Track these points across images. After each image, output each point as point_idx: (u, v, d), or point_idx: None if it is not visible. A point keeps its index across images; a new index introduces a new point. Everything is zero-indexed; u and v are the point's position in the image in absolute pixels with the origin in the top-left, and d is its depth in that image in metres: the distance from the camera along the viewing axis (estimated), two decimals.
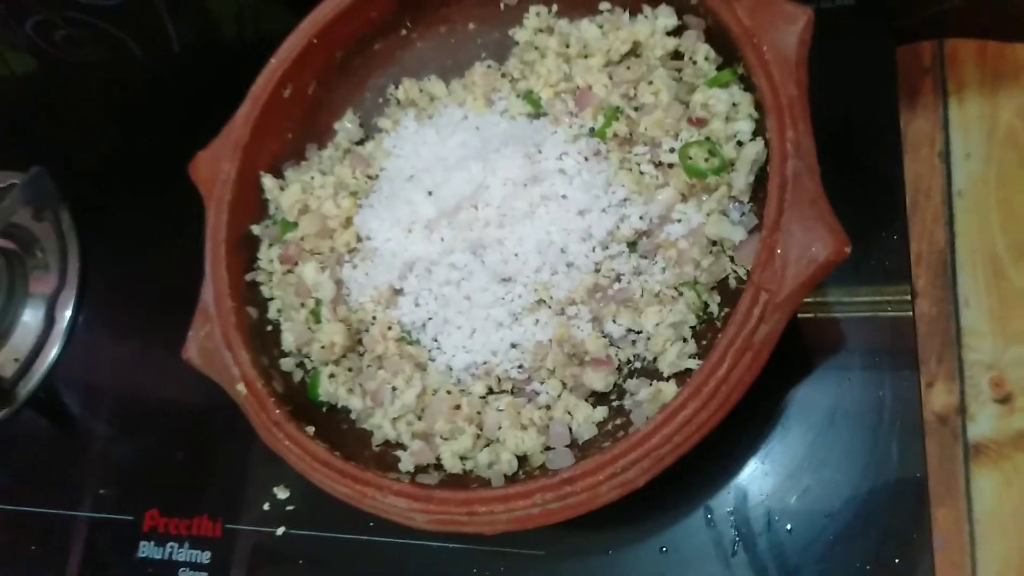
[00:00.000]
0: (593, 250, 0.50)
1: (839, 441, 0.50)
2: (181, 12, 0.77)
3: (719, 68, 0.51)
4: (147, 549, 0.62)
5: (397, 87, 0.60)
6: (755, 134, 0.48)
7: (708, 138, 0.49)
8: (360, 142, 0.60)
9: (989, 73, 0.67)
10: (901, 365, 0.51)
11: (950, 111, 0.67)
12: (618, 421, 0.48)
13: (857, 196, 0.47)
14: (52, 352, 0.72)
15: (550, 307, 0.51)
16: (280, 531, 0.58)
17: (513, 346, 0.51)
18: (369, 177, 0.58)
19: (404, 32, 0.60)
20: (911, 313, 0.52)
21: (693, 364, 0.47)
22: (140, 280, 0.73)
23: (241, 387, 0.50)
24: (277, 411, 0.49)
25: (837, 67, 0.49)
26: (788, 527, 0.49)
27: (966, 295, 0.64)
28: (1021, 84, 0.66)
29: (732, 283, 0.48)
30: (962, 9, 0.65)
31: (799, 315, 0.47)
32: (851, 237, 0.41)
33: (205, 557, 0.60)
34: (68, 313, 0.73)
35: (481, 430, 0.50)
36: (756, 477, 0.51)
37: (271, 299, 0.56)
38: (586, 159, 0.51)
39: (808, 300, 0.43)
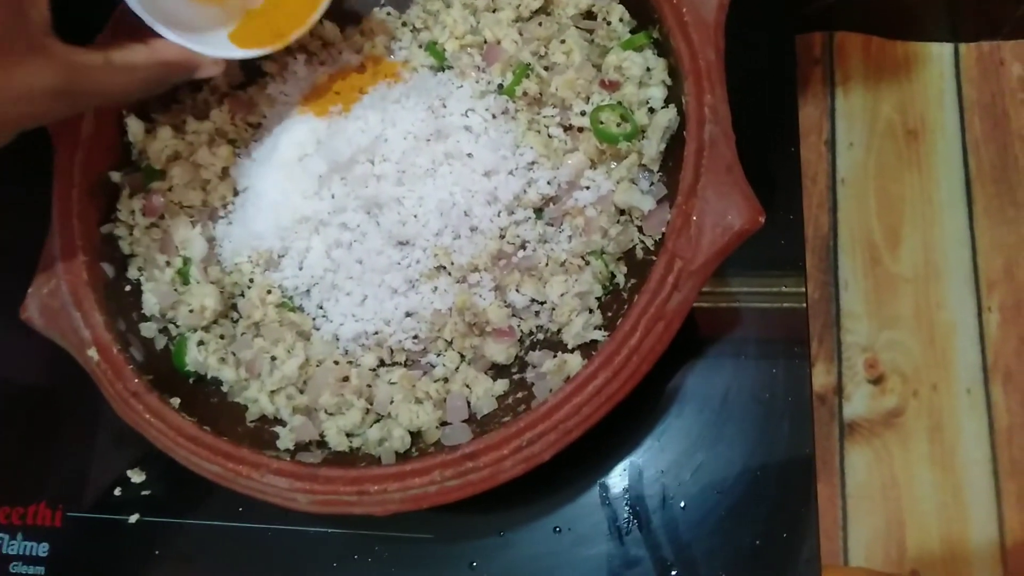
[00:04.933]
0: (498, 214, 0.47)
1: (732, 419, 0.50)
2: None
3: (633, 32, 0.49)
4: None
5: None
6: (667, 102, 0.47)
7: (620, 103, 0.47)
8: (241, 86, 0.54)
9: (873, 67, 0.71)
10: (793, 344, 0.52)
11: (836, 101, 0.70)
12: (519, 395, 0.46)
13: (756, 179, 0.47)
14: None
15: (450, 274, 0.48)
16: (134, 519, 0.52)
17: (408, 315, 0.48)
18: (250, 125, 0.52)
19: None
20: (804, 294, 0.53)
21: (599, 335, 0.45)
22: None
23: (93, 352, 0.44)
24: (136, 380, 0.43)
25: (739, 48, 0.48)
26: (682, 504, 0.49)
27: (846, 279, 0.67)
28: (900, 80, 0.70)
29: (639, 253, 0.47)
30: (852, 3, 0.68)
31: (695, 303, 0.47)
32: None
33: (42, 549, 0.53)
34: None
35: (371, 404, 0.46)
36: (651, 455, 0.50)
37: (131, 256, 0.50)
38: (493, 116, 0.48)
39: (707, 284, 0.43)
